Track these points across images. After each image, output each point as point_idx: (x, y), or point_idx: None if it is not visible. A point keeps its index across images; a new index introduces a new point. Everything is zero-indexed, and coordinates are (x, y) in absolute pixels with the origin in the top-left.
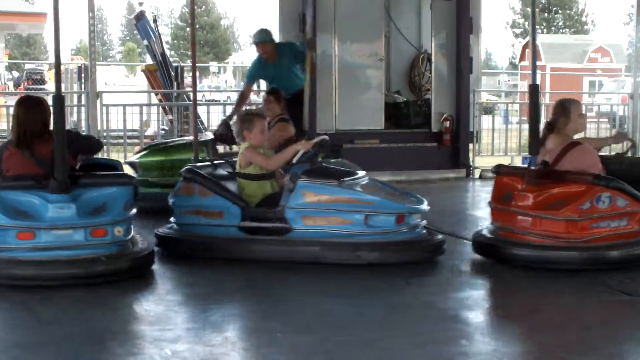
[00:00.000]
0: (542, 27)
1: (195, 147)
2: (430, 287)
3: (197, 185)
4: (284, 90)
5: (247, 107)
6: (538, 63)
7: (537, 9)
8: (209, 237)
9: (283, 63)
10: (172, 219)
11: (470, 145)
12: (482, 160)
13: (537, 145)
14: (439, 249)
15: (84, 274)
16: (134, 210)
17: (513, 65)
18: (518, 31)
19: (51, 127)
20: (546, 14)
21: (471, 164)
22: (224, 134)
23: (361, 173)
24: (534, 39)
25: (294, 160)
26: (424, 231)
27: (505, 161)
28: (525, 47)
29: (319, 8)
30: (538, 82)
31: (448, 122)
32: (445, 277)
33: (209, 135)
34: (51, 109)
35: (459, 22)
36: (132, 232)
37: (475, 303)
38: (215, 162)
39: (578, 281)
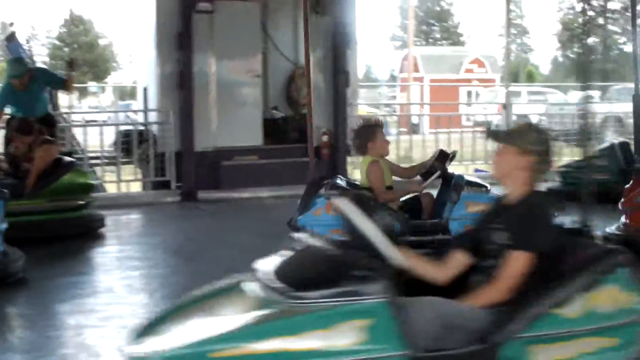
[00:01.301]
0: (421, 40)
1: None
2: None
3: None
4: (30, 114)
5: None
6: (416, 74)
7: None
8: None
9: (33, 89)
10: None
11: (351, 158)
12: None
13: None
14: None
15: None
16: (5, 225)
17: (393, 78)
18: (398, 44)
19: None
20: (424, 27)
21: (350, 176)
22: None
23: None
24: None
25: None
26: None
27: None
28: (404, 59)
29: (196, 26)
30: (417, 93)
31: (326, 136)
32: None
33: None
34: None
35: (335, 37)
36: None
37: None
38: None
39: None
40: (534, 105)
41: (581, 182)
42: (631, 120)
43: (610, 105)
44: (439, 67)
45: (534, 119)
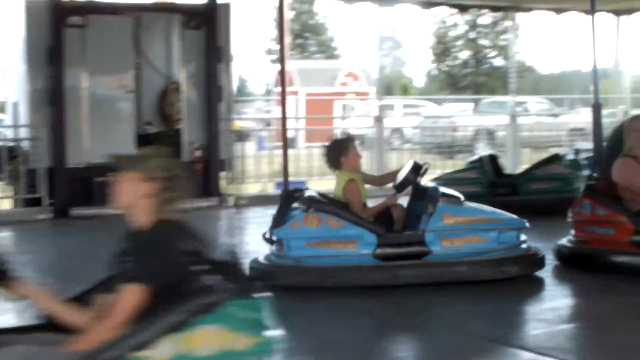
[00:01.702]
0: (296, 53)
1: None
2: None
3: (326, 215)
4: None
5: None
6: (292, 88)
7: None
8: (340, 267)
9: None
10: (280, 252)
11: (225, 173)
12: (237, 188)
13: None
14: (544, 261)
15: None
16: None
17: (268, 92)
18: (273, 57)
19: None
20: (299, 41)
21: (225, 192)
22: None
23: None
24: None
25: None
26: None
27: (258, 188)
28: (279, 73)
29: (67, 40)
30: (291, 107)
31: (199, 151)
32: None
33: None
34: None
35: (208, 52)
36: None
37: None
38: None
39: None
40: (408, 118)
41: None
42: (502, 133)
43: (481, 118)
44: (314, 80)
45: (406, 132)
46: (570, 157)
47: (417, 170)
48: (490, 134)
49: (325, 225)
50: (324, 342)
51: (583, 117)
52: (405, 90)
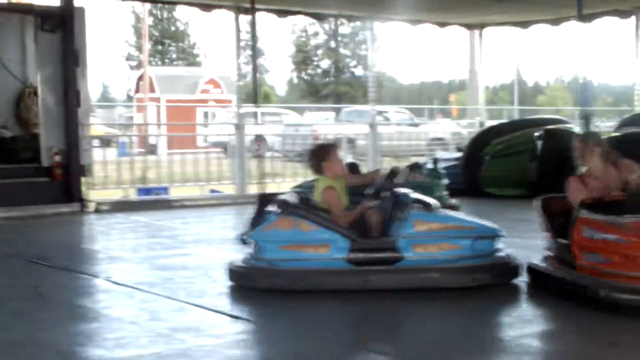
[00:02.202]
0: (157, 60)
1: None
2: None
3: (299, 218)
4: None
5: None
6: (152, 95)
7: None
8: (312, 270)
9: None
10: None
11: (85, 179)
12: (98, 193)
13: None
14: (518, 270)
15: None
16: None
17: (130, 98)
18: (134, 63)
19: None
20: (160, 47)
21: (86, 197)
22: None
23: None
24: None
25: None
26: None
27: (119, 194)
28: (140, 79)
29: None
30: (153, 114)
31: (59, 156)
32: None
33: None
34: None
35: (64, 55)
36: None
37: None
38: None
39: None
40: (270, 126)
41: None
42: (362, 142)
43: (342, 127)
44: (175, 87)
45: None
46: (430, 166)
47: (393, 176)
48: (351, 142)
49: (297, 228)
50: (287, 334)
51: (442, 126)
52: (267, 98)
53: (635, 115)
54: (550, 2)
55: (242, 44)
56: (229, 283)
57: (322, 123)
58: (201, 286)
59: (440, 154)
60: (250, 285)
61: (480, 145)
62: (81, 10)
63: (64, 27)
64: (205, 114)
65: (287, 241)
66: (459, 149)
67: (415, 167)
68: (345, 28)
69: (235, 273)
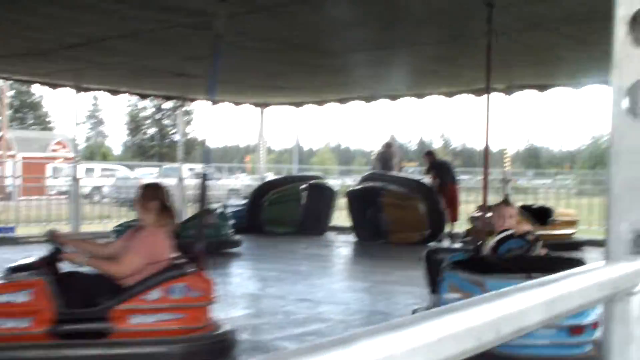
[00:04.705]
0: (15, 124)
1: None
2: None
3: None
4: None
5: None
6: (11, 152)
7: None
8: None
9: None
10: None
11: None
12: None
13: None
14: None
15: None
16: None
17: None
18: None
19: None
20: (19, 114)
21: None
22: None
23: None
24: None
25: None
26: None
27: None
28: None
29: None
30: (9, 170)
31: None
32: None
33: None
34: None
35: None
36: None
37: None
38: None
39: None
40: (106, 179)
41: None
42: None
43: (163, 179)
44: (30, 146)
45: (104, 189)
46: (220, 210)
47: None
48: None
49: None
50: None
51: (239, 180)
52: (105, 156)
53: (371, 174)
54: (315, 89)
55: (88, 113)
56: None
57: (147, 176)
58: None
59: (231, 201)
60: None
61: (261, 194)
62: None
63: None
64: (54, 169)
65: None
66: (245, 197)
67: (207, 212)
68: (167, 104)
69: None
